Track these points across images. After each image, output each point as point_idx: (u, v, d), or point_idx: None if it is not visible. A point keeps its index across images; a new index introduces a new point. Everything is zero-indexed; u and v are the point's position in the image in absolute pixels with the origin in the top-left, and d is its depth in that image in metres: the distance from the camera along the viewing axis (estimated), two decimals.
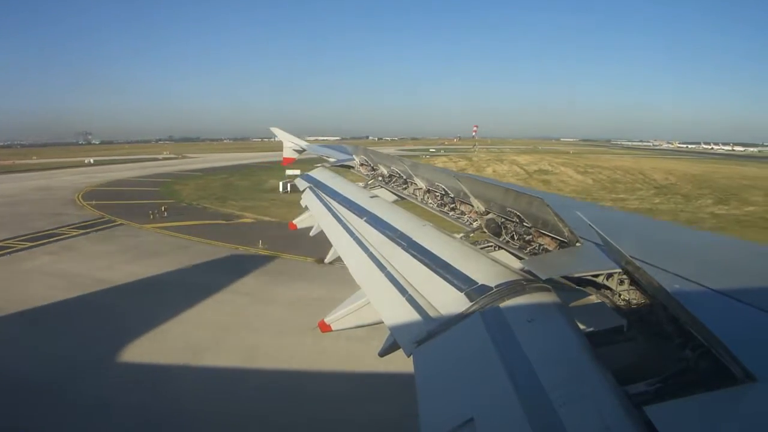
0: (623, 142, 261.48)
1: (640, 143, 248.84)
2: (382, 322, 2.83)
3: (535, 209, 2.75)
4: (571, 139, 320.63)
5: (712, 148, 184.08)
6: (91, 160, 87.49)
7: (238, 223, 33.42)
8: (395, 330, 2.62)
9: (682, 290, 1.77)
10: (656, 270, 1.97)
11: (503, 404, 1.61)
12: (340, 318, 3.20)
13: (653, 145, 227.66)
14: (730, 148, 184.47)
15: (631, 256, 1.86)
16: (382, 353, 2.76)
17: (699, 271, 1.98)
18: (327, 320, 3.23)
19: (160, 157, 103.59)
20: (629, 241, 2.24)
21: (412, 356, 2.25)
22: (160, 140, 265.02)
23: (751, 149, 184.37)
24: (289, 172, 60.51)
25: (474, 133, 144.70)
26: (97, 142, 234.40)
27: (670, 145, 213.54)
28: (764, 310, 1.65)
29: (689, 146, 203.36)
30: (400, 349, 2.47)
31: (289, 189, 46.64)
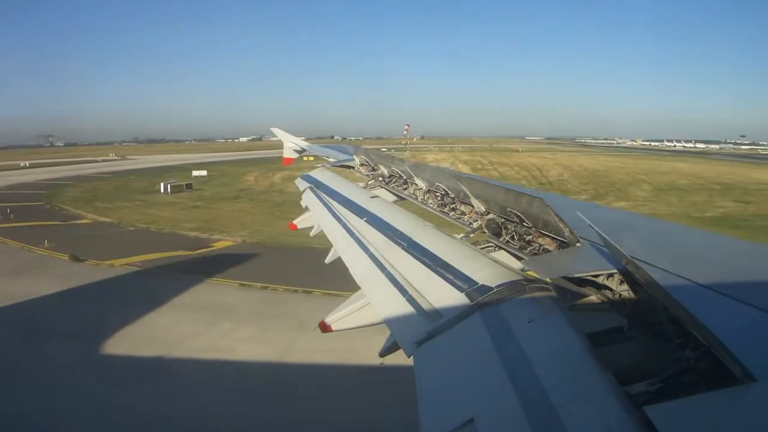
0: (588, 140, 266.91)
1: (604, 141, 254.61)
2: (383, 323, 2.82)
3: (535, 210, 2.76)
4: (537, 137, 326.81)
5: (675, 146, 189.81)
6: (27, 164, 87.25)
7: (73, 224, 33.98)
8: (395, 330, 2.63)
9: (682, 290, 1.77)
10: (656, 270, 1.98)
11: (503, 405, 1.62)
12: (340, 318, 3.19)
13: (617, 142, 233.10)
14: (692, 144, 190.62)
15: (631, 257, 1.86)
16: (383, 353, 2.78)
17: (699, 271, 1.98)
18: (327, 320, 3.21)
19: (99, 159, 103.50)
20: (629, 241, 2.26)
21: (412, 357, 2.25)
22: (124, 142, 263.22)
23: (713, 146, 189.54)
24: (195, 173, 60.91)
25: (405, 132, 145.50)
26: (62, 144, 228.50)
27: (634, 143, 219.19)
28: (764, 310, 1.65)
29: (652, 143, 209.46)
30: (401, 350, 2.47)
31: (169, 190, 46.38)
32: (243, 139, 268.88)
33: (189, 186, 49.68)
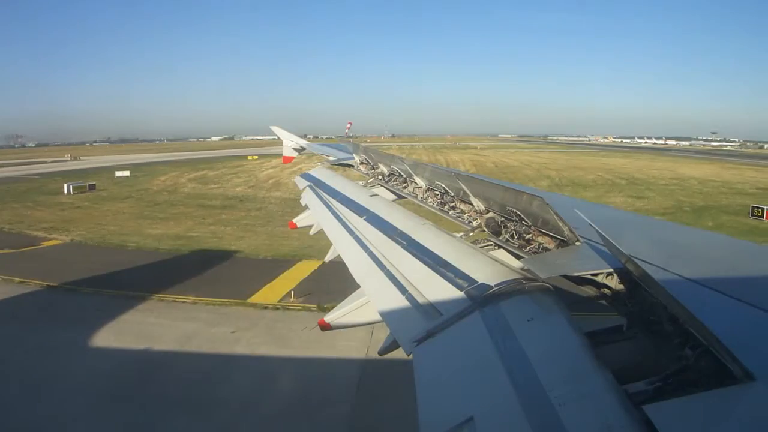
0: (560, 138, 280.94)
1: (577, 138, 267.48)
2: (382, 321, 2.82)
3: (535, 208, 2.77)
4: (510, 135, 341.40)
5: (645, 142, 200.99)
6: None
7: None
8: (395, 329, 2.63)
9: (682, 289, 1.77)
10: (656, 269, 1.98)
11: (503, 403, 1.62)
12: (340, 316, 3.18)
13: (589, 139, 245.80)
14: (662, 141, 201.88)
15: (630, 256, 1.86)
16: (382, 352, 2.77)
17: (698, 270, 1.99)
18: (327, 318, 3.20)
19: (49, 160, 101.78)
20: (629, 240, 2.27)
21: (411, 355, 2.24)
22: (96, 142, 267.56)
23: (684, 143, 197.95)
24: (117, 173, 61.60)
25: (347, 130, 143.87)
26: (33, 145, 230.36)
27: (605, 140, 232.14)
28: (764, 309, 1.66)
29: (624, 140, 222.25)
30: (400, 348, 2.46)
31: (71, 191, 46.68)
32: (215, 139, 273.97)
33: (92, 187, 50.22)
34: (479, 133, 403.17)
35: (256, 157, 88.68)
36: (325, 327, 3.19)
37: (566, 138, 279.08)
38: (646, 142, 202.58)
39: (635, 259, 1.85)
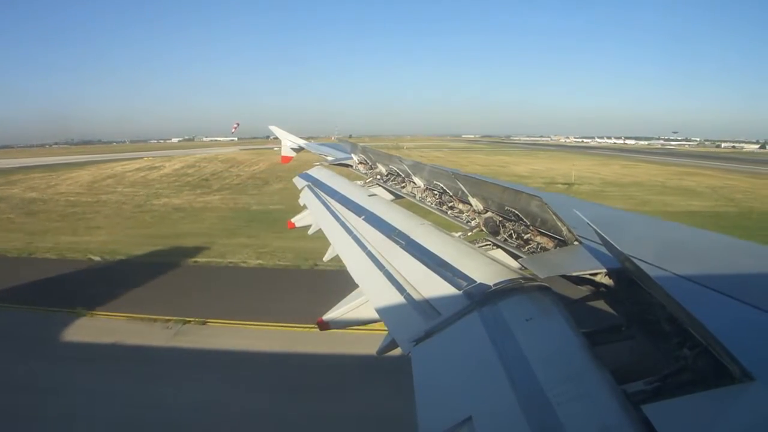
0: (521, 138, 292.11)
1: (540, 138, 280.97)
2: (381, 321, 2.82)
3: (533, 208, 2.77)
4: (473, 135, 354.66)
5: (605, 142, 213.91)
6: None
7: None
8: (393, 328, 2.62)
9: (681, 289, 1.77)
10: (654, 269, 1.98)
11: (501, 403, 1.62)
12: (338, 316, 3.18)
13: (551, 139, 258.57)
14: (621, 141, 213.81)
15: (629, 255, 1.85)
16: (380, 352, 2.76)
17: (697, 270, 1.99)
18: (325, 318, 3.19)
19: None
20: (628, 239, 2.26)
21: (410, 355, 2.23)
22: (57, 143, 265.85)
23: (643, 142, 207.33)
24: None
25: (233, 131, 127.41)
26: None
27: (567, 140, 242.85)
28: (763, 309, 1.66)
29: (585, 140, 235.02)
30: (398, 348, 2.46)
31: None
32: (175, 140, 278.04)
33: None
34: (444, 133, 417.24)
35: (151, 159, 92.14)
36: (323, 326, 3.18)
37: (528, 138, 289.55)
38: (605, 142, 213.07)
39: (634, 259, 1.85)
